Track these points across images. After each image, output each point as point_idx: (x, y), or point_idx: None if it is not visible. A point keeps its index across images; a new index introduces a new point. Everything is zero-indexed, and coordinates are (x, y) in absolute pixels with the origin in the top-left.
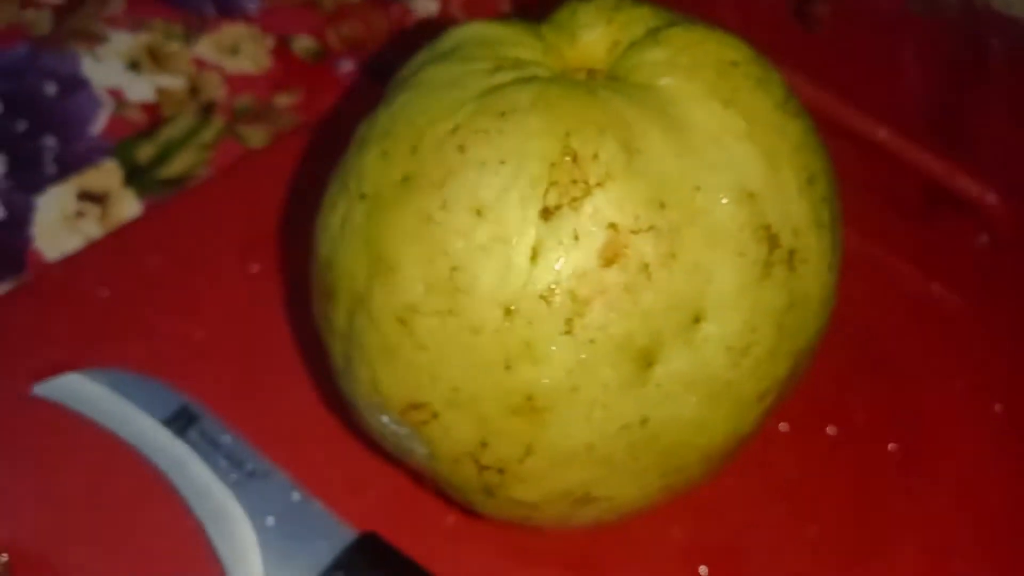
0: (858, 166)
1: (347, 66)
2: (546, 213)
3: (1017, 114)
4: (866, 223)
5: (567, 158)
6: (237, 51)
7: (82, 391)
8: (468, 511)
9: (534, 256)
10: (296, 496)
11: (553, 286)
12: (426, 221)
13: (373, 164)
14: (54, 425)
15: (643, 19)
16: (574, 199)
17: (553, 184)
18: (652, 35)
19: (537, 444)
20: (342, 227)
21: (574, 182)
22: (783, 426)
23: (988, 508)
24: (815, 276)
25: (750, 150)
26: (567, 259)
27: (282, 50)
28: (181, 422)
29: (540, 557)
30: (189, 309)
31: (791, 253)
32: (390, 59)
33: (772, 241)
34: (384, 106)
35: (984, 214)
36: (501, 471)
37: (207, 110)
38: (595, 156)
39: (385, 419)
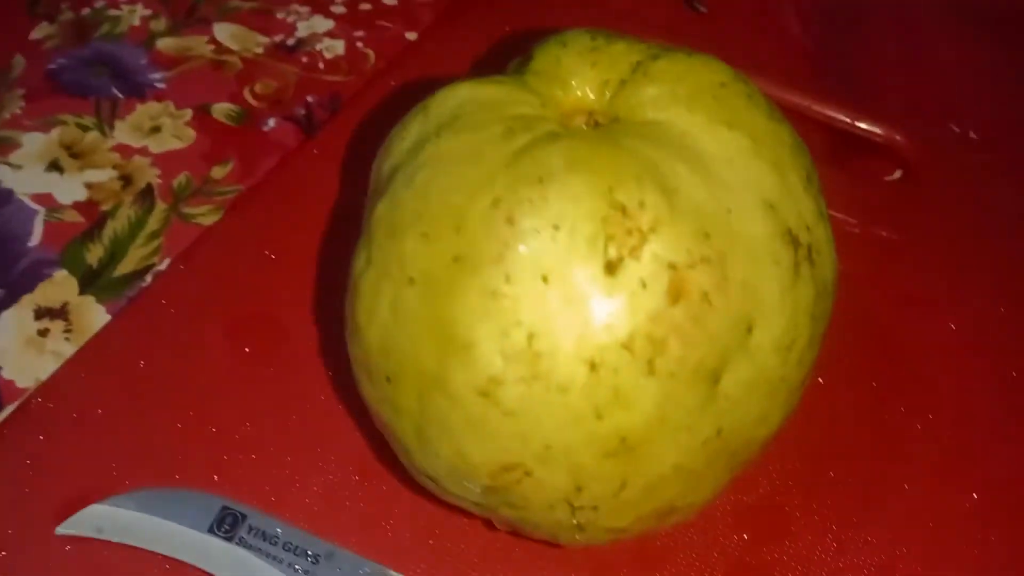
0: None
1: (272, 123)
2: (610, 267)
3: (900, 50)
4: None
5: (615, 212)
6: (158, 129)
7: (113, 519)
8: (546, 543)
9: (608, 309)
10: (367, 569)
11: (633, 334)
12: (492, 296)
13: (415, 248)
14: (92, 562)
15: (623, 55)
16: (633, 248)
17: (610, 239)
18: (640, 71)
19: (631, 478)
20: (394, 313)
21: (629, 233)
22: None
23: (969, 415)
24: (828, 262)
25: (760, 165)
26: (640, 306)
27: (203, 119)
28: (227, 525)
29: (605, 561)
30: (191, 407)
31: (809, 248)
32: (313, 109)
33: (795, 242)
34: (403, 186)
35: (894, 152)
36: (595, 508)
37: (145, 196)
38: (641, 204)
39: (470, 485)
